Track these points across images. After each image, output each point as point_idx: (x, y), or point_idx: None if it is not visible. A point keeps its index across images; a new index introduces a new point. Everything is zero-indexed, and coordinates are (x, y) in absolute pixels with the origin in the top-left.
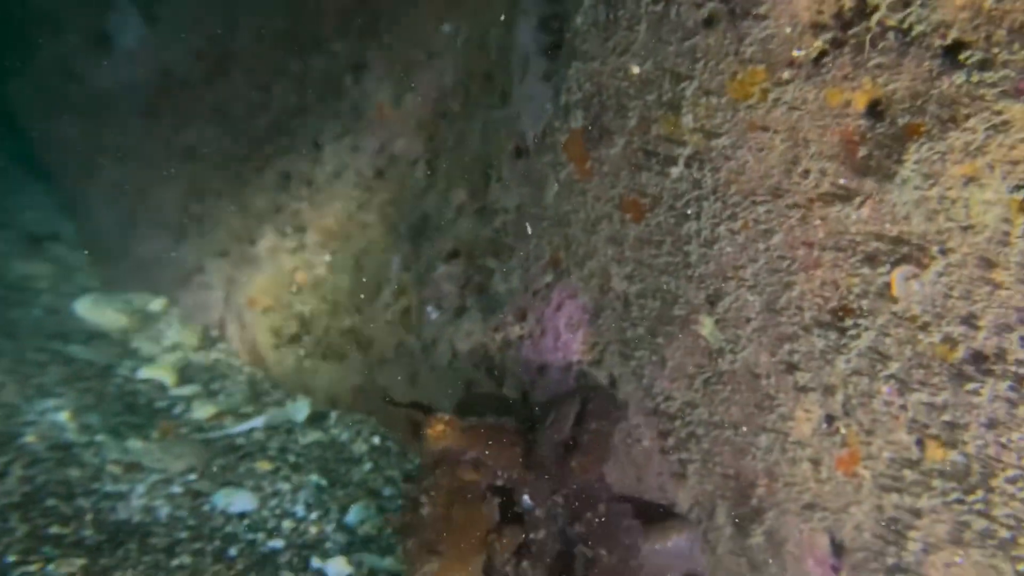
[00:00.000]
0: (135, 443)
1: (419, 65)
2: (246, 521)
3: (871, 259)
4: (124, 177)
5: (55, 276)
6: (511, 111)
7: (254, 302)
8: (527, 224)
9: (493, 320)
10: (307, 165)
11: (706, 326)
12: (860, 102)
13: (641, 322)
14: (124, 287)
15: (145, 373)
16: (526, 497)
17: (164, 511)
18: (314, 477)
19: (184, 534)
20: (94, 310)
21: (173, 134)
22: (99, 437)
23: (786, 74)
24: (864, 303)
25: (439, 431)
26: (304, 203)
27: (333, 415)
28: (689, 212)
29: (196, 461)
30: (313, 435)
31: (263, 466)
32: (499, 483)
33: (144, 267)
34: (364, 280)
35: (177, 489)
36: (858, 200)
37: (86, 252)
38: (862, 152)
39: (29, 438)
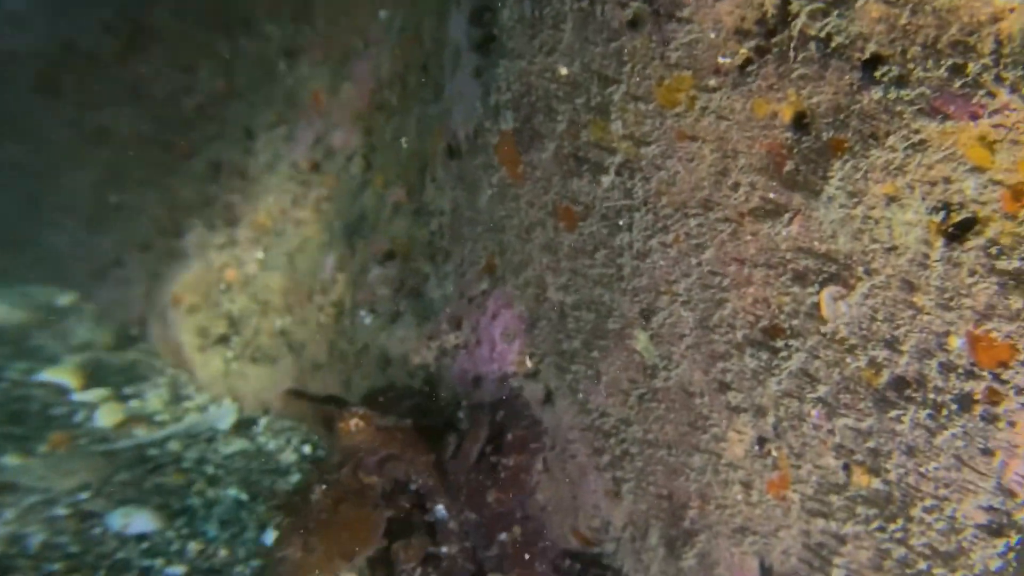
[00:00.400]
0: (11, 460)
1: (356, 53)
2: (144, 544)
3: (801, 277)
4: (23, 156)
5: None
6: (443, 107)
7: (179, 299)
8: (462, 228)
9: (428, 327)
10: (239, 154)
11: (640, 341)
12: (786, 114)
13: (577, 334)
14: (25, 279)
15: (45, 376)
16: (440, 507)
17: (36, 539)
18: (233, 491)
19: (58, 566)
20: None
21: (81, 113)
22: None
23: (713, 81)
24: (794, 323)
25: (353, 426)
26: (236, 196)
27: (262, 422)
28: (621, 223)
29: (91, 477)
30: (237, 444)
31: (175, 480)
32: (412, 487)
33: (51, 258)
34: (297, 280)
35: (60, 512)
36: (787, 216)
37: None
38: (789, 166)
39: None
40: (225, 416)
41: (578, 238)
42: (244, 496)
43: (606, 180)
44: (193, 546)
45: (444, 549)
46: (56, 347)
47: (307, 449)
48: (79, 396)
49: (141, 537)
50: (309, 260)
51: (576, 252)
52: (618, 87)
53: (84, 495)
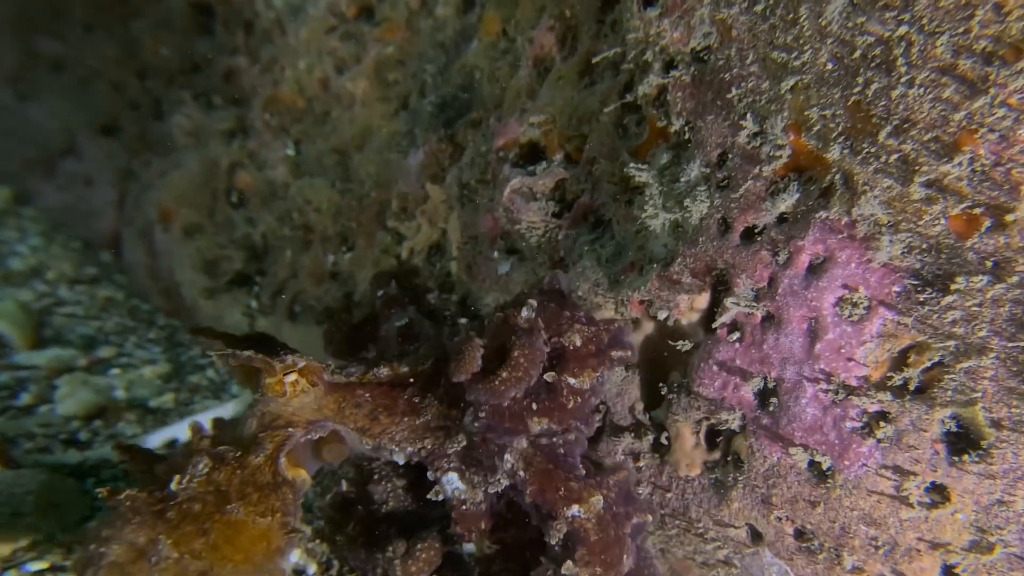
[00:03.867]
0: None
1: None
2: None
3: None
4: None
5: None
6: None
7: (169, 214)
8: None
9: (617, 284)
10: None
11: None
12: None
13: None
14: None
15: None
16: (453, 476)
17: None
18: None
19: None
20: None
21: None
22: None
23: None
24: None
25: (287, 385)
26: (242, 57)
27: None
28: None
29: (35, 535)
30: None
31: None
32: (400, 461)
33: None
34: (357, 192)
35: None
36: None
37: None
38: None
39: None
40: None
41: None
42: None
43: None
44: None
45: (469, 546)
46: None
47: None
48: (24, 357)
49: None
50: (376, 160)
51: None
52: None
53: (36, 566)
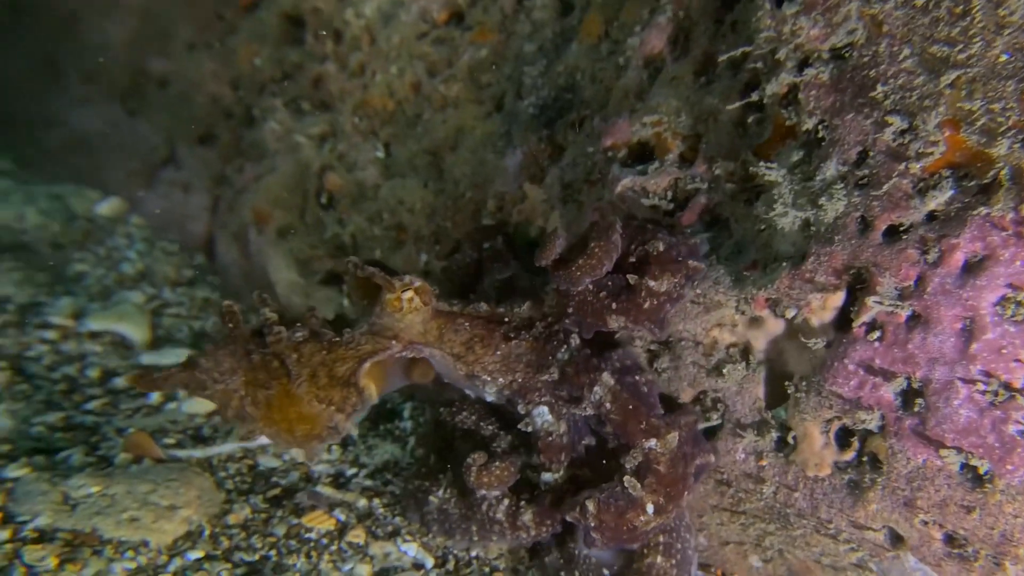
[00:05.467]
0: (86, 484)
1: None
2: None
3: None
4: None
5: None
6: None
7: (263, 216)
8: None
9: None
10: (328, 1)
11: None
12: None
13: None
14: (51, 175)
15: (97, 323)
16: (543, 409)
17: None
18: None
19: None
20: (5, 207)
21: None
22: (12, 471)
23: None
24: None
25: (405, 301)
26: (331, 63)
27: (407, 409)
28: None
29: (198, 517)
30: (382, 449)
31: (320, 523)
32: (489, 396)
33: (79, 146)
34: (451, 192)
35: None
36: None
37: None
38: None
39: None
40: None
41: None
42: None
43: None
44: None
45: (548, 475)
46: (104, 277)
47: None
48: (148, 358)
49: None
50: (470, 161)
51: None
52: None
53: (194, 554)
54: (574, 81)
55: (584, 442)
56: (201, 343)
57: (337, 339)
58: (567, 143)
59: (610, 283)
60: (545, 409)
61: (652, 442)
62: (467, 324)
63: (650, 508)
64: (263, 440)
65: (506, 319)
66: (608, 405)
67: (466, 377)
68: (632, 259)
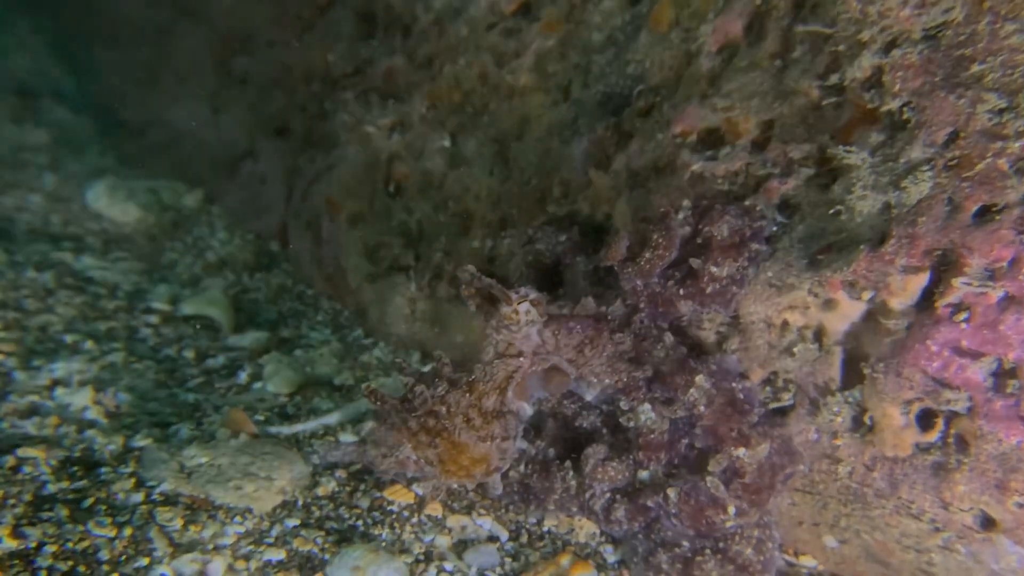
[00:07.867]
0: (196, 454)
1: None
2: None
3: None
4: (137, 11)
5: (56, 148)
6: None
7: (336, 206)
8: None
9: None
10: None
11: None
12: None
13: None
14: (148, 170)
15: (189, 308)
16: (647, 407)
17: None
18: (488, 521)
19: None
20: (112, 202)
21: None
22: (138, 440)
23: None
24: None
25: (523, 313)
26: (399, 56)
27: None
28: None
29: (292, 489)
30: None
31: (400, 496)
32: (589, 397)
33: (171, 143)
34: (516, 180)
35: (275, 557)
36: None
37: (94, 116)
38: None
39: (33, 451)
40: None
41: None
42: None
43: None
44: None
45: (645, 473)
46: (191, 265)
47: None
48: (234, 340)
49: None
50: (536, 149)
51: None
52: None
53: (292, 521)
54: (643, 69)
55: (684, 441)
56: (278, 328)
57: (472, 378)
58: (635, 130)
59: (675, 272)
60: (649, 407)
61: (742, 451)
62: (578, 327)
63: (732, 510)
64: (334, 418)
65: (608, 316)
66: (702, 408)
67: (574, 380)
68: (699, 240)
